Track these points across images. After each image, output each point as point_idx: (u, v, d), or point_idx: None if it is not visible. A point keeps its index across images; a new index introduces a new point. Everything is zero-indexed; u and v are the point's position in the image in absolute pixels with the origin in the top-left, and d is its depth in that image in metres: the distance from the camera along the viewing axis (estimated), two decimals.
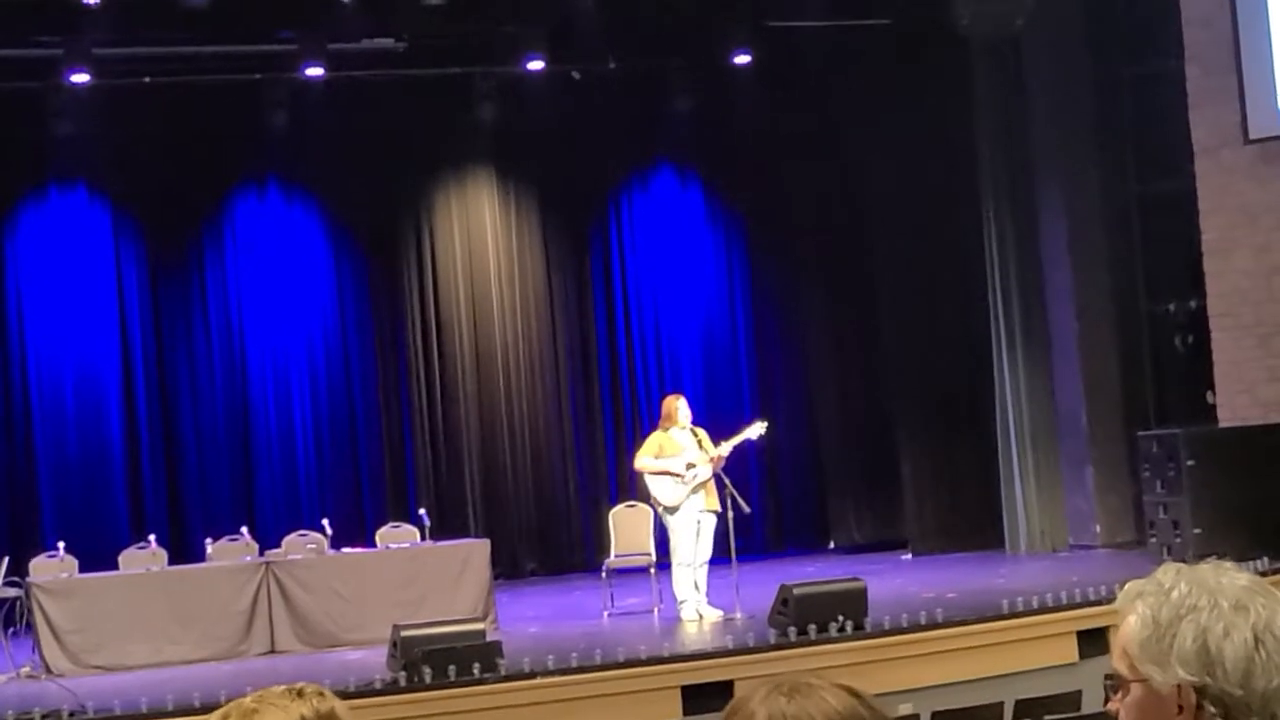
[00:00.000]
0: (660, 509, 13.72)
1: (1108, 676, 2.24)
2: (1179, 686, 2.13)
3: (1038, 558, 16.41)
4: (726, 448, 13.48)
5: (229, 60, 16.69)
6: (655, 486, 13.60)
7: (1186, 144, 15.35)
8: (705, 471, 13.43)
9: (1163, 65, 15.92)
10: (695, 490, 13.44)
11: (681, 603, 13.49)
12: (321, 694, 2.21)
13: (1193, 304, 15.92)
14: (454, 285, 18.42)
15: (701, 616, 13.41)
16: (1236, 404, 15.19)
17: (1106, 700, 2.25)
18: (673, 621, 13.52)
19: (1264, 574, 12.45)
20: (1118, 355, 16.72)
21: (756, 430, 13.88)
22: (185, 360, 17.74)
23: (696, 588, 13.50)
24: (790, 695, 2.24)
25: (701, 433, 13.65)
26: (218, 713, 2.21)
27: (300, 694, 2.21)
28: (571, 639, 12.55)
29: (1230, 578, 2.19)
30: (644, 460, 13.69)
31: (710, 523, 13.52)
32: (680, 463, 13.45)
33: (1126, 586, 2.27)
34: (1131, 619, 2.21)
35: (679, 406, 13.80)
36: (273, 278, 17.92)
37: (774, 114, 18.23)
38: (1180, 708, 2.13)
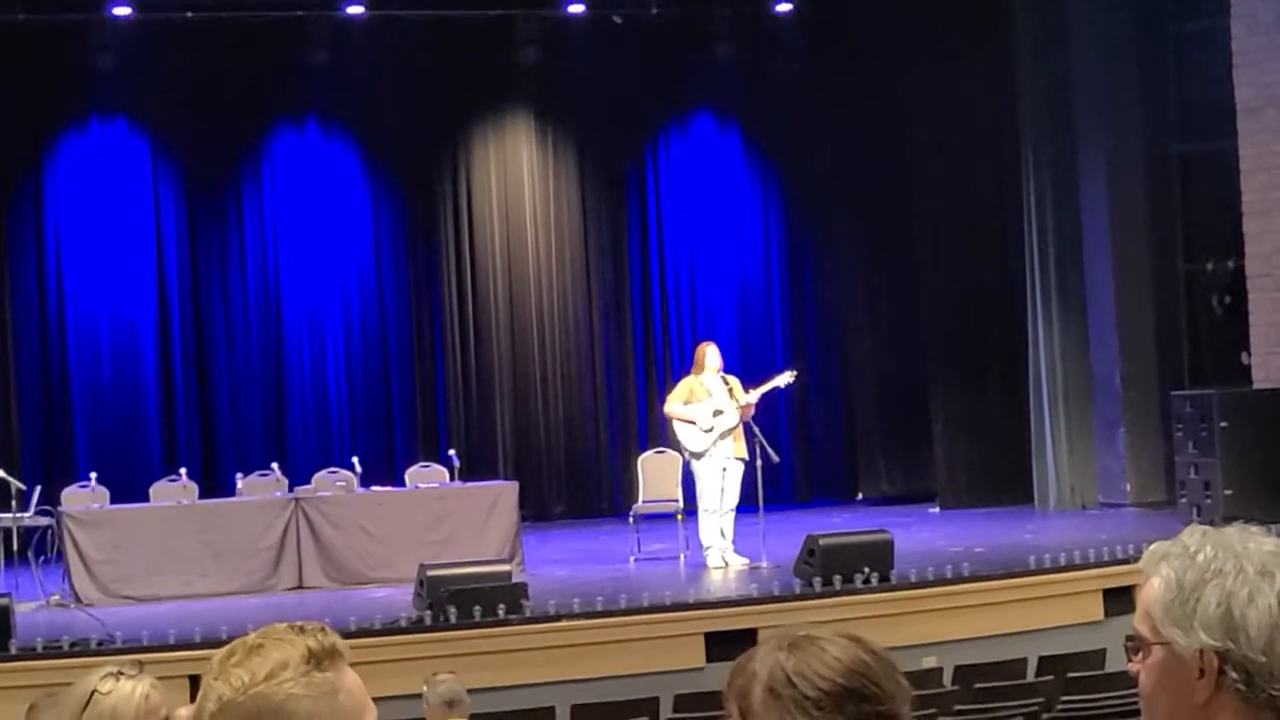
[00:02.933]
0: (687, 455, 13.75)
1: (1129, 638, 2.21)
2: (1201, 651, 2.11)
3: (1066, 515, 16.39)
4: (754, 395, 13.47)
5: None
6: (682, 432, 13.61)
7: (1230, 103, 15.23)
8: (732, 418, 13.41)
9: (1209, 23, 15.77)
10: (723, 437, 13.43)
11: (707, 549, 13.51)
12: (324, 630, 2.23)
13: (1231, 264, 15.82)
14: (489, 227, 18.40)
15: (727, 564, 13.43)
16: (1272, 365, 15.10)
17: (1128, 660, 2.23)
18: (698, 568, 13.55)
19: None
20: (1154, 314, 16.63)
21: (785, 379, 13.88)
22: (220, 294, 17.79)
23: (723, 535, 13.51)
24: (790, 650, 2.22)
25: (734, 380, 13.64)
26: (222, 651, 2.22)
27: (303, 630, 2.22)
28: (597, 583, 12.60)
29: (1257, 542, 2.17)
30: (673, 406, 13.71)
31: (737, 470, 13.51)
32: (707, 409, 13.44)
33: (1151, 548, 2.24)
34: (1155, 581, 2.18)
35: (708, 352, 13.81)
36: (309, 215, 17.93)
37: (814, 63, 18.13)
38: (1201, 672, 2.11)
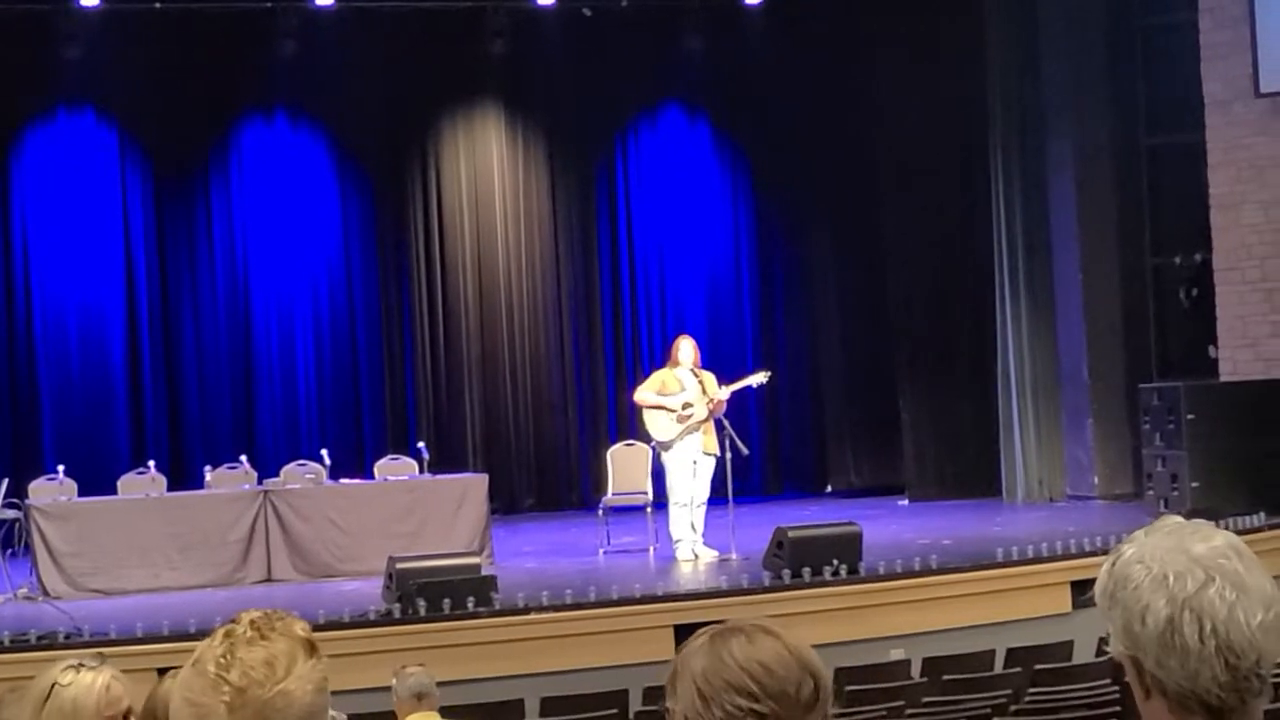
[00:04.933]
0: (656, 445, 13.78)
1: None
2: (1129, 657, 2.14)
3: (1034, 507, 16.44)
4: (725, 392, 13.49)
5: None
6: (650, 421, 13.63)
7: (1197, 96, 15.29)
8: (700, 413, 13.42)
9: (1176, 17, 15.83)
10: (692, 431, 13.44)
11: (677, 542, 13.52)
12: (290, 619, 2.26)
13: (1198, 257, 15.88)
14: (459, 218, 18.38)
15: (697, 556, 13.44)
16: (1239, 359, 15.18)
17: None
18: (668, 561, 13.56)
19: (1260, 529, 12.49)
20: (1121, 307, 16.69)
21: (759, 378, 13.92)
22: (189, 286, 17.72)
23: (693, 528, 13.52)
24: (715, 641, 2.30)
25: (707, 376, 13.65)
26: (212, 641, 2.22)
27: (280, 618, 2.25)
28: (566, 576, 12.60)
29: (1191, 542, 2.14)
30: (643, 394, 13.74)
31: (708, 465, 13.52)
32: (678, 402, 13.46)
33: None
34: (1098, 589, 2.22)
35: (682, 346, 13.83)
36: (278, 206, 17.87)
37: (784, 56, 18.14)
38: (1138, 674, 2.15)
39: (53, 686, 3.45)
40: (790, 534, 11.94)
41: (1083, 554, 11.92)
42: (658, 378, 13.82)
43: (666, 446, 13.56)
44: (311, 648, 2.23)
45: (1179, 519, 2.21)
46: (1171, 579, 2.10)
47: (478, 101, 18.43)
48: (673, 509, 13.55)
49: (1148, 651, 2.10)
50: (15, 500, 13.47)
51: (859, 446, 18.71)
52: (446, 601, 10.93)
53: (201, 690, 2.18)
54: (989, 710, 8.23)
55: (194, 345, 17.69)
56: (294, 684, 2.19)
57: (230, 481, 14.61)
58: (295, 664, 2.20)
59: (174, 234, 17.69)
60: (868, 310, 18.43)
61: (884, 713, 8.45)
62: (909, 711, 8.41)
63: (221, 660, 2.19)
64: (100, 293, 17.36)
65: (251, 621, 2.24)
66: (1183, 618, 2.08)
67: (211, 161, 17.80)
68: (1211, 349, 15.52)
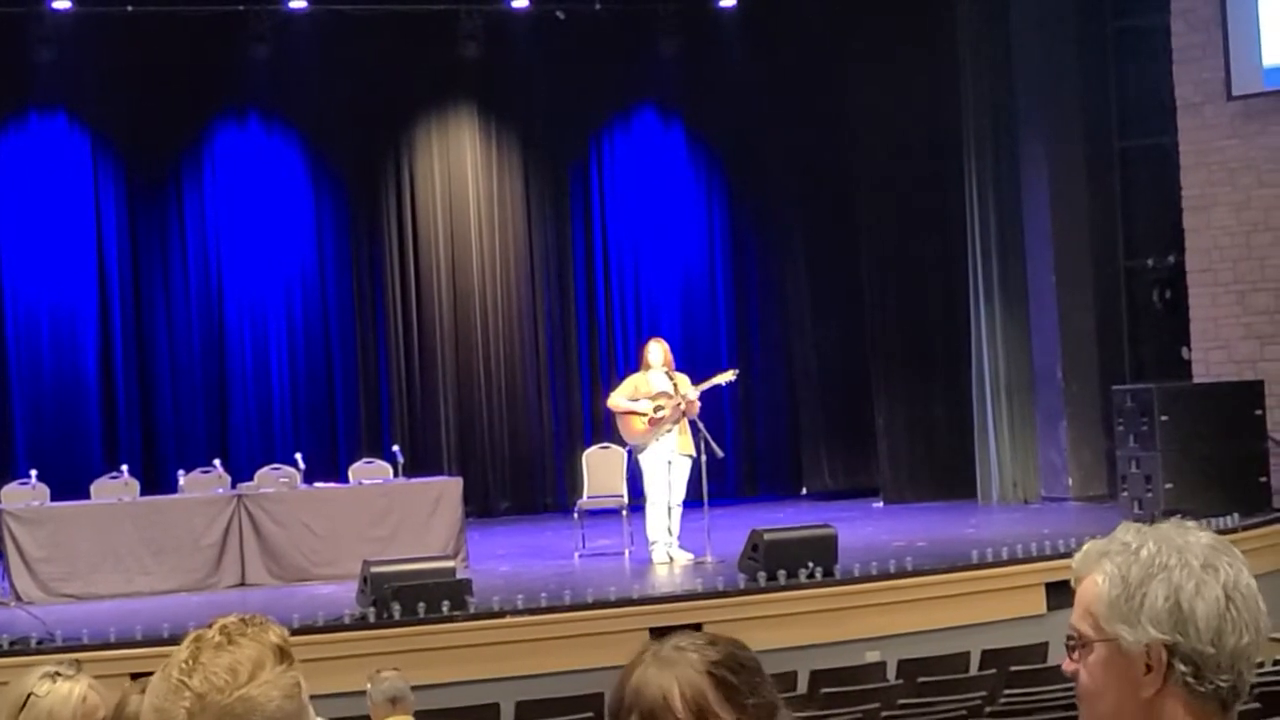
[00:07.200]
0: (631, 447, 13.81)
1: (1069, 636, 2.22)
2: (1148, 646, 2.12)
3: (1009, 509, 16.47)
4: (694, 392, 13.50)
5: None
6: (623, 426, 13.67)
7: (1170, 99, 15.34)
8: (668, 411, 13.42)
9: (1148, 20, 15.89)
10: (666, 431, 13.46)
11: (653, 544, 13.52)
12: (267, 623, 2.24)
13: (1171, 260, 15.93)
14: (433, 222, 18.35)
15: (672, 559, 13.44)
16: (1212, 360, 15.23)
17: (1069, 658, 2.23)
18: (643, 564, 13.56)
19: (1234, 530, 12.53)
20: (1095, 309, 16.73)
21: (727, 377, 13.93)
22: (161, 290, 17.66)
23: (669, 531, 13.52)
24: (709, 648, 2.29)
25: (681, 378, 13.66)
26: (184, 646, 2.20)
27: (255, 624, 2.22)
28: (542, 579, 12.59)
29: (1195, 536, 2.18)
30: (615, 399, 13.77)
31: (683, 465, 13.53)
32: (650, 403, 13.48)
33: (1086, 547, 2.24)
34: (1098, 578, 2.18)
35: (651, 349, 13.88)
36: (251, 210, 17.82)
37: (757, 59, 18.17)
38: (1149, 667, 2.12)
39: (29, 696, 3.43)
40: (765, 536, 11.94)
41: (1057, 555, 11.94)
42: (631, 383, 13.84)
43: (641, 449, 13.59)
44: (282, 654, 2.20)
45: (1143, 525, 2.23)
46: (1210, 561, 2.13)
47: (452, 104, 18.41)
48: (649, 510, 13.57)
49: (1203, 629, 2.10)
50: None
51: (834, 449, 18.72)
52: (421, 605, 10.91)
53: (164, 695, 2.16)
54: (964, 712, 8.24)
55: (167, 349, 17.64)
56: (257, 690, 2.16)
57: (204, 486, 14.57)
58: (261, 670, 2.17)
59: (147, 237, 17.64)
60: (842, 313, 18.45)
61: (859, 715, 8.46)
62: (884, 713, 8.42)
63: (185, 665, 2.17)
64: (73, 296, 17.29)
65: (223, 627, 2.22)
66: (1234, 594, 2.12)
67: (185, 165, 17.75)
68: (1185, 351, 15.57)
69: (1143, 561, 2.15)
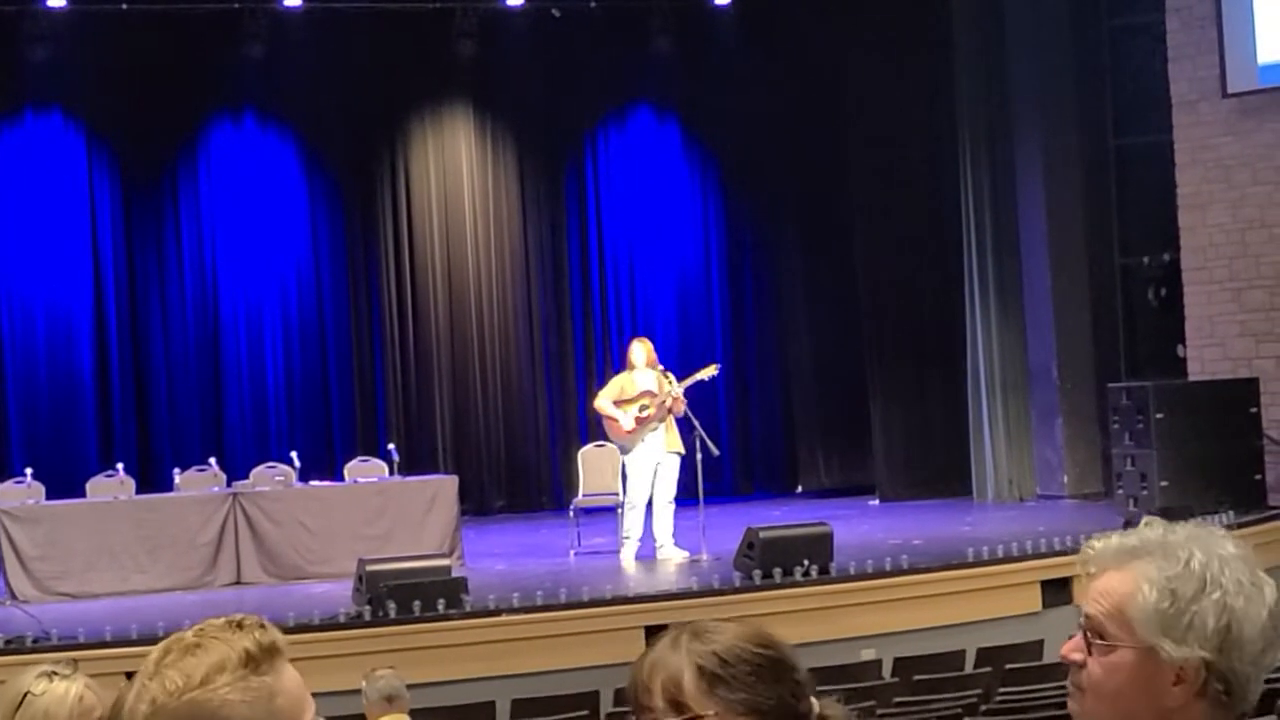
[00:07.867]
0: (618, 448, 13.87)
1: (1088, 630, 2.14)
2: (1186, 658, 2.07)
3: (1004, 507, 16.47)
4: (679, 389, 13.51)
5: None
6: (608, 427, 13.79)
7: (1165, 97, 15.34)
8: (653, 409, 13.45)
9: (1143, 17, 15.90)
10: (652, 430, 13.48)
11: (625, 539, 13.60)
12: (263, 626, 2.18)
13: (1167, 257, 15.94)
14: (428, 220, 18.34)
15: (661, 556, 13.49)
16: (1207, 358, 15.24)
17: (1084, 651, 2.16)
18: (639, 561, 13.56)
19: (1229, 527, 12.52)
20: (1090, 307, 16.74)
21: (709, 372, 13.93)
22: (157, 288, 17.65)
23: (661, 531, 13.55)
24: (700, 637, 2.26)
25: (670, 376, 13.67)
26: (158, 647, 2.18)
27: (241, 626, 2.17)
28: (537, 577, 12.58)
29: (1231, 544, 2.13)
30: (601, 402, 13.83)
31: (672, 463, 13.56)
32: (636, 406, 13.53)
33: (1108, 540, 2.17)
34: (1142, 584, 2.10)
35: (634, 349, 13.96)
36: (247, 208, 17.81)
37: (753, 56, 18.15)
38: (1178, 679, 2.08)
39: (25, 695, 3.42)
40: (761, 534, 11.94)
41: (1053, 553, 11.95)
42: (616, 383, 13.89)
43: (628, 449, 13.63)
44: (249, 658, 2.13)
45: (1176, 524, 2.18)
46: (1257, 578, 2.11)
47: (447, 103, 18.39)
48: (626, 508, 13.66)
49: (1248, 651, 2.07)
50: None
51: (829, 447, 18.73)
52: (417, 603, 10.91)
53: (133, 696, 2.15)
54: (960, 710, 8.24)
55: (163, 347, 17.62)
56: (206, 694, 2.10)
57: (199, 484, 14.56)
58: (218, 675, 2.11)
59: (142, 236, 17.62)
60: (838, 311, 18.45)
61: (855, 713, 8.44)
62: (880, 712, 8.42)
63: (152, 667, 2.15)
64: (68, 295, 17.28)
65: (201, 629, 2.18)
66: (1278, 611, 2.09)
67: (180, 163, 17.73)
68: (1180, 348, 15.58)
69: (1194, 575, 2.09)
